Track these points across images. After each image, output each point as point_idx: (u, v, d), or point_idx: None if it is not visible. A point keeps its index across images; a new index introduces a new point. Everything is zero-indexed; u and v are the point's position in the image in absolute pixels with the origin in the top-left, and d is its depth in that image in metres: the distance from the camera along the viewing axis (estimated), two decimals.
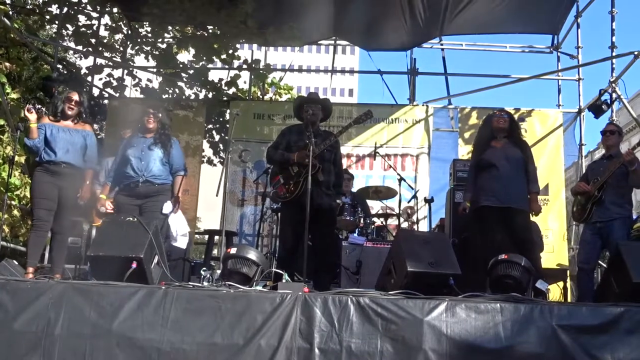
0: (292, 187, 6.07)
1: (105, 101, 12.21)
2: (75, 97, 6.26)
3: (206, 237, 9.10)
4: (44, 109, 6.19)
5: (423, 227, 9.42)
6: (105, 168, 7.33)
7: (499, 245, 5.86)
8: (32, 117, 5.99)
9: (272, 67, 13.38)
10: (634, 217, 6.87)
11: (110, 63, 12.59)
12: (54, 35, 13.80)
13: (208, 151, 12.91)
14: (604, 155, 6.64)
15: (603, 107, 9.78)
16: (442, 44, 12.34)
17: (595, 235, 6.26)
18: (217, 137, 13.05)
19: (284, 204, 6.33)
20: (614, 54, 10.03)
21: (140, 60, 13.11)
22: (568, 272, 8.82)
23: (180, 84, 12.70)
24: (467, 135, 10.95)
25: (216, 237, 8.77)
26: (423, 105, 11.23)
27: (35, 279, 5.40)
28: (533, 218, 6.54)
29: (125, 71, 12.58)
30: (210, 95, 12.73)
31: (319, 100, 6.48)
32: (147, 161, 6.24)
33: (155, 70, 12.79)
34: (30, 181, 12.16)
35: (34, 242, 6.02)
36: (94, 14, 12.15)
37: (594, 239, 6.27)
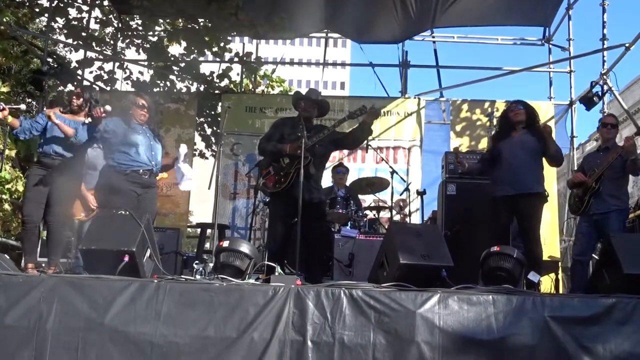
0: (282, 179, 6.08)
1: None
2: (77, 91, 6.38)
3: (198, 230, 9.09)
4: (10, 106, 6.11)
5: (415, 219, 9.44)
6: (86, 157, 7.26)
7: (507, 233, 5.96)
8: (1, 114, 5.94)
9: (263, 60, 13.35)
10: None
11: (100, 56, 12.54)
12: (43, 28, 13.72)
13: (200, 144, 12.89)
14: (600, 147, 6.65)
15: (594, 99, 9.81)
16: (433, 37, 12.35)
17: (591, 227, 6.28)
18: (208, 131, 13.03)
19: (273, 197, 6.33)
20: (605, 46, 10.07)
21: (131, 54, 13.07)
22: (560, 264, 8.86)
23: (171, 77, 12.66)
24: (458, 127, 10.99)
25: (208, 231, 8.76)
26: (415, 97, 11.25)
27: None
28: None
29: (116, 64, 12.53)
30: (201, 89, 12.71)
31: (314, 100, 6.45)
32: (156, 152, 6.20)
33: (146, 63, 12.75)
34: (21, 175, 12.17)
35: (25, 237, 6.00)
36: (84, 7, 12.08)
37: (590, 231, 6.29)
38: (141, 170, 6.03)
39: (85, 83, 12.00)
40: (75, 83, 11.70)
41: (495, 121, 8.84)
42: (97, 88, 12.11)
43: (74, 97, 6.27)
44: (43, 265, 6.18)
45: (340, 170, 8.66)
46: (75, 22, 11.98)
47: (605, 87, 9.82)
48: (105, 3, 12.42)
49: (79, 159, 6.22)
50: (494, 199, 6.28)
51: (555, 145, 6.43)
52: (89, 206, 6.76)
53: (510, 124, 6.49)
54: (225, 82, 12.85)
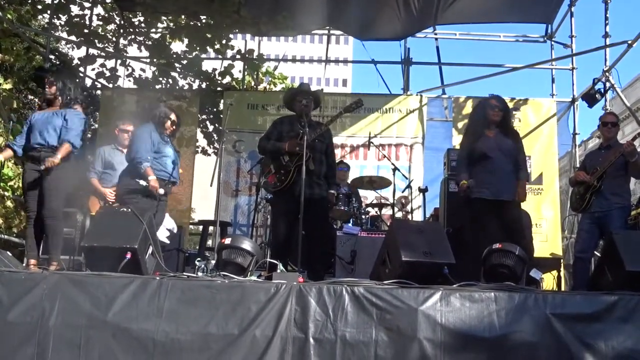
0: (282, 177, 6.09)
1: (98, 92, 12.17)
2: (50, 79, 6.20)
3: (200, 227, 9.10)
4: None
5: (417, 216, 9.43)
6: (102, 157, 7.33)
7: (492, 234, 5.86)
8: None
9: (265, 57, 13.33)
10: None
11: (103, 53, 12.52)
12: (46, 25, 13.72)
13: (202, 141, 12.88)
14: (602, 145, 6.63)
15: (597, 96, 9.80)
16: (436, 34, 12.32)
17: (593, 224, 6.28)
18: (210, 128, 13.03)
19: (276, 194, 6.34)
20: (607, 42, 10.04)
21: (133, 51, 13.05)
22: (562, 261, 8.85)
23: (173, 74, 12.65)
24: (460, 124, 10.95)
25: (210, 228, 8.77)
26: (417, 95, 11.23)
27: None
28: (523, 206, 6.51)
29: (119, 61, 12.52)
30: (203, 86, 12.70)
31: (311, 92, 6.51)
32: (178, 166, 6.45)
33: (148, 60, 12.74)
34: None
35: (31, 234, 5.98)
36: (87, 4, 12.08)
37: (592, 228, 6.29)
38: (166, 181, 6.20)
39: (88, 80, 12.03)
40: (77, 80, 11.71)
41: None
42: (99, 85, 12.15)
43: (47, 86, 6.14)
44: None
45: (341, 168, 8.66)
46: (78, 19, 11.96)
47: (608, 84, 9.80)
48: (108, 0, 12.42)
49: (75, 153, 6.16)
50: (475, 200, 6.21)
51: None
52: (107, 200, 6.87)
53: (486, 122, 6.42)
54: (228, 79, 12.83)
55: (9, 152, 6.05)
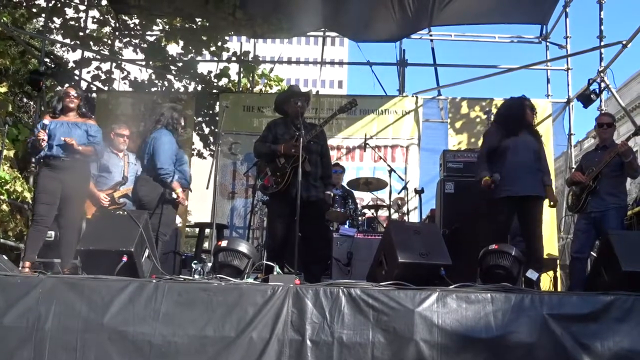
0: (279, 179, 6.09)
1: (94, 94, 12.14)
2: (73, 91, 6.33)
3: (197, 230, 9.09)
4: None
5: (413, 218, 9.43)
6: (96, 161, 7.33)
7: (504, 229, 5.92)
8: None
9: (261, 59, 13.34)
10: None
11: (98, 56, 12.51)
12: (41, 28, 13.70)
13: (198, 144, 12.87)
14: (598, 146, 6.65)
15: (592, 96, 9.80)
16: (431, 35, 12.34)
17: (589, 225, 6.29)
18: (206, 130, 13.02)
19: (272, 196, 6.33)
20: (602, 43, 10.06)
21: (128, 53, 13.04)
22: (558, 261, 8.85)
23: (169, 76, 12.64)
24: (458, 124, 10.99)
25: (207, 230, 8.75)
26: (413, 96, 11.24)
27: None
28: None
29: (114, 64, 12.51)
30: (199, 88, 12.68)
31: (304, 93, 6.50)
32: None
33: (144, 63, 12.72)
34: (19, 175, 12.15)
35: (32, 236, 6.01)
36: (81, 7, 12.07)
37: (589, 229, 6.30)
38: (186, 189, 6.31)
39: (83, 83, 12.01)
40: (72, 83, 11.69)
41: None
42: (94, 88, 12.14)
43: (73, 96, 6.28)
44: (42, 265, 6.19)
45: (336, 170, 8.65)
46: (73, 22, 11.95)
47: (603, 85, 9.82)
48: (103, 3, 12.40)
49: (86, 158, 6.29)
50: (498, 200, 6.16)
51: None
52: (101, 204, 6.88)
53: (522, 122, 6.38)
54: (223, 81, 12.83)
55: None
